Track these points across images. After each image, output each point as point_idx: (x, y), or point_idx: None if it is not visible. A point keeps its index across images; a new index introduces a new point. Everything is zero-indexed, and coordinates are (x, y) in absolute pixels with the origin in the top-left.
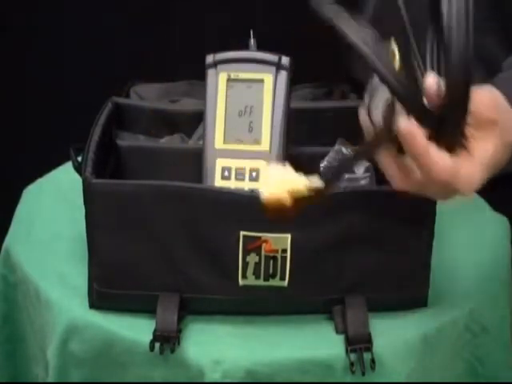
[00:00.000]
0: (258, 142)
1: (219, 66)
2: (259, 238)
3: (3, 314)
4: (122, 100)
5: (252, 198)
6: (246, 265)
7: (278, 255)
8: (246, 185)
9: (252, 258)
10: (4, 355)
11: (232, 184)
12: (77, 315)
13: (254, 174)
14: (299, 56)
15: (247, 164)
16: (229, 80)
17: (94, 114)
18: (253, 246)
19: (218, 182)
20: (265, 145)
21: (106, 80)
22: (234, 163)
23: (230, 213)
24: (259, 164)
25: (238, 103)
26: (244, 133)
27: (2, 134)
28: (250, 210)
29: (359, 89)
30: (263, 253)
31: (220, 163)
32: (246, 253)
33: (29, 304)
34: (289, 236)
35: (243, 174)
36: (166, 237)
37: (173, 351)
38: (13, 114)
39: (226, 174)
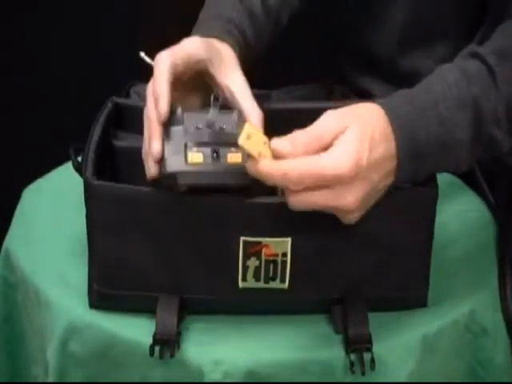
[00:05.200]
0: None
1: None
2: (259, 242)
3: (3, 314)
4: (122, 100)
5: (252, 203)
6: (246, 268)
7: (278, 259)
8: None
9: (252, 262)
10: (4, 355)
11: None
12: (77, 315)
13: None
14: (299, 56)
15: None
16: None
17: (94, 113)
18: (253, 250)
19: None
20: None
21: (106, 80)
22: None
23: (230, 218)
24: None
25: None
26: None
27: (2, 133)
28: (250, 215)
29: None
30: (263, 257)
31: None
32: (246, 257)
33: (29, 304)
34: (289, 240)
35: None
36: (165, 239)
37: (172, 355)
38: (13, 114)
39: None
